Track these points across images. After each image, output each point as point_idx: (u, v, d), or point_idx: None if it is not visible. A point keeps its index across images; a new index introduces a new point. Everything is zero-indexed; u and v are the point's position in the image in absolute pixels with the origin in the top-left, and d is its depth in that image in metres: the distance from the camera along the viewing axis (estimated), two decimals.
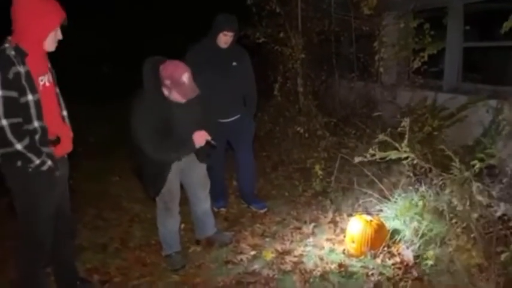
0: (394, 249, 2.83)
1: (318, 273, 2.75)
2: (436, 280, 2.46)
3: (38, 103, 2.12)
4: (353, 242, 2.91)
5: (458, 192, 2.52)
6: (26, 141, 2.08)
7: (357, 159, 2.86)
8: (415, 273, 2.58)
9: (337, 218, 3.49)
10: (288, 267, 2.86)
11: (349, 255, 2.92)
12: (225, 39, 3.46)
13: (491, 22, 5.72)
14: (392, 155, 2.75)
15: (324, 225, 3.43)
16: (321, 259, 2.91)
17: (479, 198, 2.42)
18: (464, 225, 2.45)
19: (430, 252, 2.62)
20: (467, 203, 2.50)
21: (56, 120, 2.31)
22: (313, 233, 3.32)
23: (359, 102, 5.89)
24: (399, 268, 2.68)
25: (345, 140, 4.92)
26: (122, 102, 3.09)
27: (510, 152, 3.09)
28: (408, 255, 2.72)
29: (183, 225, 3.40)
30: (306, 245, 3.14)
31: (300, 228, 3.39)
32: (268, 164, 5.05)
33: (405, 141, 2.70)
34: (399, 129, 2.80)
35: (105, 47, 11.15)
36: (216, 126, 3.04)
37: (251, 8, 6.16)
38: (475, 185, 2.44)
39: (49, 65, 2.31)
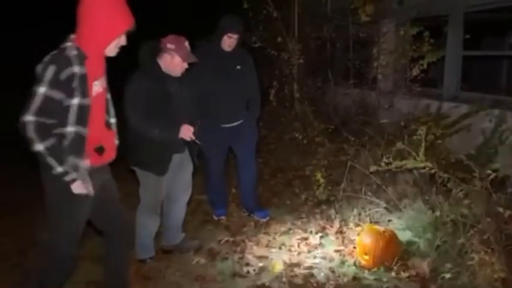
0: (408, 262, 2.74)
1: (331, 287, 2.63)
2: None
3: (83, 108, 2.01)
4: (365, 253, 2.81)
5: (478, 203, 2.44)
6: (49, 143, 1.94)
7: (371, 169, 2.77)
8: (433, 287, 2.49)
9: (344, 228, 3.39)
10: (299, 280, 2.74)
11: (361, 268, 2.82)
12: (229, 41, 3.36)
13: (491, 31, 5.80)
14: (410, 164, 2.66)
15: (330, 235, 3.32)
16: (332, 272, 2.81)
17: (500, 209, 2.35)
18: (486, 237, 2.37)
19: (447, 265, 2.54)
20: (487, 214, 2.43)
21: (100, 127, 2.19)
22: (320, 244, 3.21)
23: (355, 109, 5.84)
24: (415, 281, 2.59)
25: (344, 147, 4.84)
26: None
27: None
28: (424, 268, 2.63)
29: None
30: (314, 257, 3.03)
31: (306, 239, 3.28)
32: (266, 170, 4.94)
33: (422, 150, 2.62)
34: (415, 137, 2.72)
35: None
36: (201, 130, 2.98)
37: (247, 12, 6.07)
38: (496, 196, 2.36)
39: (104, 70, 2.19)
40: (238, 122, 3.53)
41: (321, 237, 3.30)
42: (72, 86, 1.95)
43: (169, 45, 2.70)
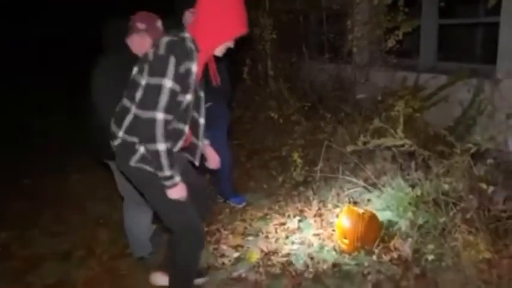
0: (389, 244, 2.63)
1: (310, 275, 2.51)
2: (441, 277, 2.27)
3: (189, 105, 1.97)
4: (345, 237, 2.68)
5: (460, 179, 2.32)
6: (169, 143, 1.89)
7: (349, 149, 2.61)
8: (416, 270, 2.38)
9: (322, 210, 3.26)
10: (277, 269, 2.60)
11: (341, 252, 2.70)
12: (191, 17, 3.10)
13: None
14: (389, 142, 2.51)
15: (309, 218, 3.18)
16: (311, 258, 2.68)
17: (483, 186, 2.23)
18: (469, 215, 2.26)
19: (430, 246, 2.43)
20: (469, 191, 2.31)
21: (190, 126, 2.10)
22: (298, 228, 3.07)
23: (331, 84, 5.67)
24: (397, 265, 2.48)
25: (321, 124, 4.68)
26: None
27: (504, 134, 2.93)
28: (406, 250, 2.52)
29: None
30: (293, 243, 2.89)
31: (284, 224, 3.13)
32: (242, 153, 4.75)
33: (400, 127, 2.47)
34: (392, 113, 2.56)
35: None
36: None
37: None
38: (478, 170, 2.24)
39: None
40: (207, 105, 3.30)
41: (299, 221, 3.16)
42: (188, 81, 1.88)
43: (139, 25, 2.45)
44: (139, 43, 2.48)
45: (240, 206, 3.52)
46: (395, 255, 2.55)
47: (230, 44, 1.97)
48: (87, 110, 2.52)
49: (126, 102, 2.01)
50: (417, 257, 2.47)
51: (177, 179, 1.94)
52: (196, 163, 2.30)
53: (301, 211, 3.32)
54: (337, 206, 3.22)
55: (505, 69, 3.64)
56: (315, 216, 3.21)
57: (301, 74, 6.17)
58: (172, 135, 1.94)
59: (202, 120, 2.18)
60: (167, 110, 1.83)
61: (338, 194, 3.33)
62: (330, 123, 4.58)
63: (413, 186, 2.76)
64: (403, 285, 2.31)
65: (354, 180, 3.15)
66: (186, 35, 1.90)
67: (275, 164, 4.32)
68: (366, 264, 2.53)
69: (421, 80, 4.36)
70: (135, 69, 1.98)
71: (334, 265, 2.57)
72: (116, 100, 2.30)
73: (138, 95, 1.90)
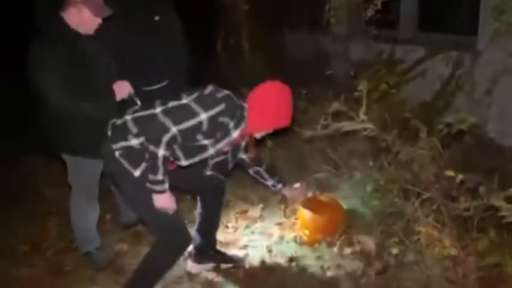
0: (352, 236, 2.44)
1: (266, 270, 2.32)
2: (402, 274, 2.09)
3: (200, 151, 1.98)
4: (306, 228, 2.49)
5: (427, 166, 2.11)
6: (166, 152, 1.86)
7: (306, 134, 2.38)
8: (377, 266, 2.20)
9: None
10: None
11: (302, 244, 2.51)
12: None
13: None
14: (348, 126, 2.28)
15: (273, 206, 2.99)
16: (270, 251, 2.49)
17: (451, 173, 2.02)
18: (435, 207, 2.06)
19: (394, 239, 2.25)
20: (435, 180, 2.11)
21: None
22: (260, 217, 2.88)
23: (309, 58, 5.38)
24: (359, 259, 2.29)
25: (295, 100, 4.43)
26: None
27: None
28: (369, 242, 2.34)
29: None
30: (252, 233, 2.70)
31: (246, 212, 2.94)
32: None
33: (363, 109, 2.24)
34: (355, 94, 2.32)
35: None
36: None
37: None
38: (447, 156, 2.03)
39: None
40: (162, 84, 3.03)
41: (262, 208, 2.97)
42: (217, 134, 1.91)
43: None
44: (77, 17, 2.20)
45: None
46: (357, 248, 2.36)
47: (270, 131, 2.14)
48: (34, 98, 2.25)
49: (156, 103, 1.96)
50: (380, 251, 2.28)
51: (167, 185, 1.89)
52: None
53: (266, 197, 3.11)
54: None
55: (486, 40, 3.39)
56: (279, 203, 3.00)
57: (278, 46, 5.86)
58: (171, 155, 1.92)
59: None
60: (183, 133, 1.82)
61: (305, 179, 3.12)
62: (305, 100, 4.35)
63: (378, 174, 2.55)
64: (362, 282, 2.13)
65: (320, 164, 2.93)
66: (244, 104, 1.98)
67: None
68: (326, 257, 2.35)
69: (399, 52, 4.10)
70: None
71: (292, 259, 2.38)
72: (63, 81, 2.11)
73: (171, 105, 1.89)
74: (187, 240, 2.07)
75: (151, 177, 1.86)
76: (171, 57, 3.05)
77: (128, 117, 1.96)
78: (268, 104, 1.99)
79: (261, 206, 2.99)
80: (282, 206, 2.95)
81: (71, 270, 2.53)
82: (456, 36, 4.11)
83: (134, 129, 1.90)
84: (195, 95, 1.90)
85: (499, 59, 3.24)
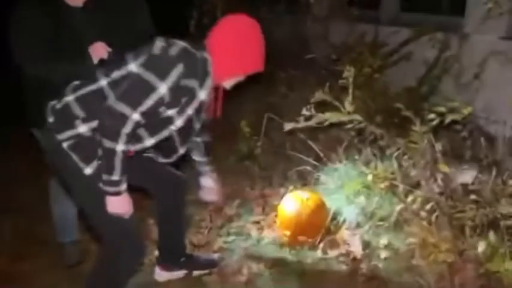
0: (337, 236, 2.24)
1: (243, 278, 2.10)
2: (392, 282, 1.90)
3: (165, 124, 1.67)
4: (286, 228, 2.28)
5: (418, 160, 1.91)
6: (127, 147, 1.58)
7: (287, 126, 2.15)
8: (364, 270, 2.01)
9: (267, 190, 2.84)
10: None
11: (282, 246, 2.30)
12: None
13: None
14: (333, 117, 2.06)
15: (250, 201, 2.76)
16: (247, 254, 2.27)
17: (445, 168, 1.83)
18: (429, 207, 1.87)
19: (383, 241, 2.06)
20: (429, 175, 1.92)
21: None
22: (237, 214, 2.65)
23: (288, 40, 5.11)
24: (345, 263, 2.10)
25: (273, 85, 4.19)
26: None
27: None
28: (355, 243, 2.14)
29: None
30: (228, 234, 2.47)
31: (221, 209, 2.70)
32: None
33: (349, 99, 2.01)
34: (340, 81, 2.09)
35: None
36: None
37: None
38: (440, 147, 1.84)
39: None
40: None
41: (240, 204, 2.74)
42: (182, 101, 1.61)
43: None
44: None
45: None
46: (343, 250, 2.16)
47: (241, 78, 1.76)
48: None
49: (100, 77, 1.62)
50: (368, 254, 2.09)
51: (124, 186, 1.61)
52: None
53: (243, 191, 2.89)
54: (282, 185, 2.80)
55: (474, 21, 3.19)
56: (257, 197, 2.79)
57: None
58: (134, 140, 1.62)
59: (182, 150, 1.84)
60: (143, 113, 1.53)
61: (286, 171, 2.91)
62: (284, 84, 4.11)
63: (366, 164, 2.35)
64: None
65: (303, 156, 2.71)
66: (206, 55, 1.63)
67: (220, 134, 3.81)
68: (309, 261, 2.15)
69: (382, 34, 3.88)
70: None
71: (273, 264, 2.17)
72: (42, 47, 1.88)
73: (116, 75, 1.59)
74: (140, 251, 1.80)
75: (104, 176, 1.57)
76: (135, 36, 2.73)
77: (69, 97, 1.62)
78: (235, 44, 1.64)
79: (237, 201, 2.76)
80: (260, 201, 2.74)
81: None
82: (440, 17, 3.92)
83: (81, 113, 1.59)
84: (144, 58, 1.56)
85: (488, 42, 3.06)
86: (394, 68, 3.68)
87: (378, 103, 3.10)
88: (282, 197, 2.62)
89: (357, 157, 2.42)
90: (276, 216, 2.50)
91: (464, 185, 2.05)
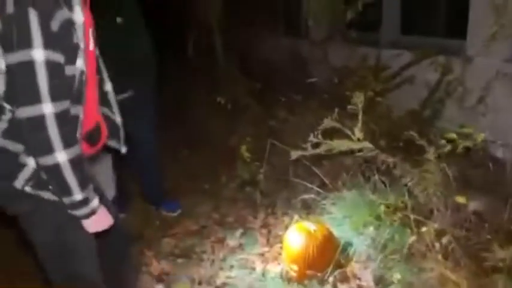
0: (347, 269, 2.13)
1: None
2: None
3: (82, 74, 1.31)
4: (293, 262, 2.16)
5: (431, 189, 1.82)
6: (74, 150, 1.24)
7: (294, 155, 2.06)
8: None
9: (270, 219, 2.74)
10: None
11: (289, 280, 2.18)
12: None
13: None
14: (344, 145, 1.98)
15: (254, 231, 2.65)
16: None
17: (461, 199, 1.75)
18: (446, 239, 1.77)
19: (396, 275, 1.95)
20: (443, 204, 1.83)
21: (95, 100, 1.46)
22: (240, 246, 2.53)
23: (287, 63, 5.09)
24: None
25: (273, 109, 4.12)
26: None
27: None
28: (367, 278, 2.03)
29: None
30: (231, 267, 2.35)
31: (223, 240, 2.59)
32: (182, 145, 4.13)
33: (359, 126, 1.93)
34: (349, 107, 2.02)
35: None
36: None
37: None
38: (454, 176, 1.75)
39: None
40: (126, 93, 2.65)
41: (242, 234, 2.63)
42: (72, 41, 1.24)
43: None
44: None
45: (174, 214, 2.95)
46: (354, 284, 2.05)
47: None
48: None
49: None
50: None
51: (95, 202, 1.33)
52: (123, 150, 1.67)
53: (246, 220, 2.79)
54: (286, 214, 2.70)
55: (477, 44, 3.16)
56: (261, 227, 2.68)
57: (254, 49, 5.54)
58: (74, 131, 1.30)
59: (108, 87, 1.57)
60: (57, 96, 1.19)
61: (290, 199, 2.81)
62: (284, 108, 4.05)
63: (375, 192, 2.25)
64: None
65: (306, 183, 2.62)
66: None
67: (220, 158, 3.74)
68: None
69: (383, 57, 3.85)
70: None
71: None
72: None
73: (1, 85, 1.24)
74: None
75: (67, 201, 1.27)
76: (135, 61, 2.67)
77: None
78: None
79: (239, 231, 2.65)
80: (264, 232, 2.63)
81: None
82: (441, 40, 3.91)
83: (18, 147, 1.29)
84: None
85: (492, 65, 3.02)
86: (397, 91, 3.63)
87: (381, 127, 3.03)
88: (286, 227, 2.53)
89: (364, 185, 2.32)
90: (281, 247, 2.39)
91: (478, 214, 1.96)
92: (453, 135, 2.00)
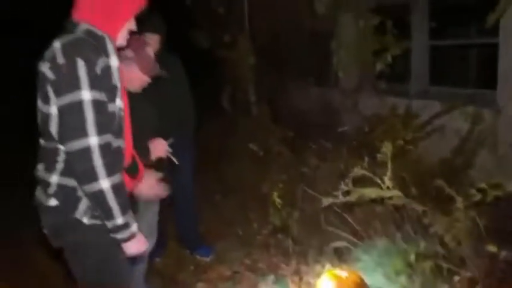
0: None
1: None
2: None
3: (121, 111, 1.53)
4: None
5: (463, 239, 1.85)
6: (116, 177, 1.41)
7: (325, 202, 2.14)
8: None
9: (302, 266, 2.77)
10: None
11: None
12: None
13: (461, 18, 5.31)
14: (373, 193, 2.05)
15: (286, 278, 2.69)
16: None
17: (492, 248, 1.76)
18: None
19: None
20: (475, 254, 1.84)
21: (130, 136, 1.65)
22: None
23: (317, 112, 5.24)
24: None
25: (305, 156, 4.23)
26: None
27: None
28: None
29: None
30: None
31: (255, 286, 2.64)
32: (217, 190, 4.27)
33: (388, 174, 2.01)
34: (379, 156, 2.11)
35: None
36: None
37: (191, 8, 5.41)
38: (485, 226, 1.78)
39: None
40: (169, 141, 2.83)
41: (274, 281, 2.67)
42: (112, 83, 1.46)
43: (126, 52, 2.01)
44: (126, 73, 2.02)
45: (207, 259, 3.03)
46: None
47: (132, 25, 1.58)
48: None
49: (46, 144, 1.51)
50: None
51: (134, 227, 1.48)
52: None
53: (277, 267, 2.83)
54: (318, 262, 2.73)
55: (507, 95, 3.21)
56: (293, 274, 2.71)
57: (285, 99, 5.75)
58: (117, 162, 1.47)
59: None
60: (101, 130, 1.37)
61: (321, 247, 2.85)
62: (315, 155, 4.15)
63: (406, 246, 2.28)
64: None
65: (339, 230, 2.67)
66: (81, 27, 1.45)
67: (254, 205, 3.83)
68: None
69: (412, 106, 3.94)
70: (39, 102, 1.48)
71: None
72: None
73: (54, 127, 1.44)
74: None
75: (110, 224, 1.42)
76: (179, 114, 2.88)
77: (54, 178, 1.49)
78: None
79: (271, 278, 2.69)
80: (295, 279, 2.66)
81: None
82: (470, 90, 3.97)
83: (74, 182, 1.47)
84: (50, 92, 1.40)
85: None
86: (428, 140, 3.68)
87: (412, 175, 3.07)
88: (318, 274, 2.55)
89: (395, 233, 2.36)
90: None
91: (509, 263, 1.95)
92: (483, 185, 2.04)
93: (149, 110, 2.23)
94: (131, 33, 1.72)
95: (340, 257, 2.66)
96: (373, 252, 2.45)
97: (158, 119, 2.32)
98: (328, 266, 2.52)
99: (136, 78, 2.07)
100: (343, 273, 2.25)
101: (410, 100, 3.94)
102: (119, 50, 1.76)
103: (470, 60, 5.80)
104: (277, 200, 3.42)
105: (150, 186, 1.96)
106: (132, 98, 2.07)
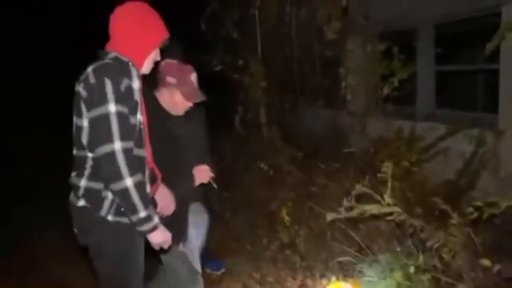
0: None
1: None
2: None
3: (142, 129, 1.77)
4: None
5: (459, 253, 1.96)
6: (137, 177, 1.62)
7: (329, 216, 2.28)
8: None
9: (309, 280, 2.88)
10: None
11: None
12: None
13: (464, 44, 5.47)
14: (374, 209, 2.19)
15: None
16: None
17: (487, 262, 1.87)
18: None
19: None
20: (471, 268, 1.95)
21: (149, 149, 1.87)
22: None
23: (326, 133, 5.40)
24: None
25: (313, 176, 4.36)
26: None
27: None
28: None
29: None
30: None
31: None
32: (228, 207, 4.40)
33: (388, 192, 2.15)
34: (380, 175, 2.25)
35: None
36: None
37: (206, 33, 5.67)
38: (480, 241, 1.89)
39: None
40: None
41: None
42: (134, 100, 1.68)
43: (169, 79, 2.19)
44: (168, 99, 2.22)
45: (218, 273, 3.15)
46: None
47: (157, 56, 1.81)
48: None
49: (78, 152, 1.73)
50: None
51: (156, 219, 1.68)
52: None
53: (285, 280, 2.94)
54: (324, 276, 2.84)
55: (508, 118, 3.34)
56: (299, 287, 2.83)
57: (295, 122, 5.93)
58: (138, 166, 1.68)
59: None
60: (124, 137, 1.60)
61: (327, 261, 2.96)
62: (323, 175, 4.28)
63: (406, 260, 2.39)
64: None
65: (343, 247, 2.79)
66: (111, 55, 1.70)
67: (263, 222, 3.96)
68: None
69: (418, 129, 4.07)
70: (74, 116, 1.71)
71: None
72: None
73: (85, 138, 1.67)
74: None
75: (134, 218, 1.62)
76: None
77: (83, 182, 1.72)
78: (132, 26, 1.71)
79: None
80: None
81: None
82: (475, 113, 4.10)
83: (100, 185, 1.71)
84: (82, 108, 1.64)
85: None
86: (433, 161, 3.79)
87: (416, 195, 3.18)
88: None
89: (398, 248, 2.47)
90: None
91: (509, 280, 2.05)
92: (479, 203, 2.15)
93: (193, 137, 2.35)
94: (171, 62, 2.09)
95: (346, 271, 2.76)
96: (376, 267, 2.56)
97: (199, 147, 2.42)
98: (333, 279, 2.63)
99: (179, 103, 2.21)
100: (347, 286, 2.36)
101: (415, 123, 4.07)
102: (163, 77, 2.13)
103: (476, 84, 5.93)
104: (286, 218, 3.57)
105: (164, 205, 2.07)
106: (179, 124, 2.24)
